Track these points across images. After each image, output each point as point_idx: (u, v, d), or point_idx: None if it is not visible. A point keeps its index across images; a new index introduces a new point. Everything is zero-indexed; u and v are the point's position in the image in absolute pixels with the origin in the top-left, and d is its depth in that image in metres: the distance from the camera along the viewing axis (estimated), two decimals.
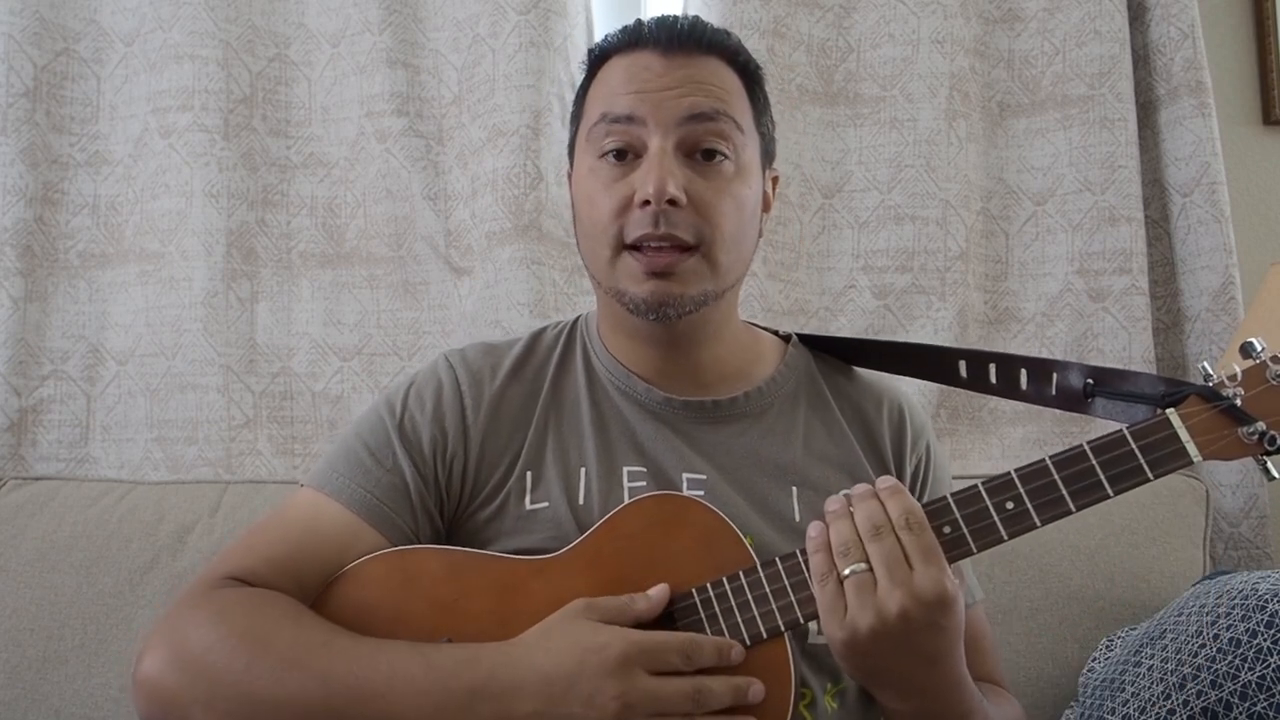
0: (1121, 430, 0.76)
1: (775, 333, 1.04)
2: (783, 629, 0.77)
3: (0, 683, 1.34)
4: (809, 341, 1.04)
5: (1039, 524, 0.75)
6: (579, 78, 0.99)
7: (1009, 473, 0.76)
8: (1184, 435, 0.75)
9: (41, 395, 1.65)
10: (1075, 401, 0.87)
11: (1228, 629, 0.97)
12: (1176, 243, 1.69)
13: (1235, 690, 0.92)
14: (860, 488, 0.77)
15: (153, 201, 1.67)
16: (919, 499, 0.83)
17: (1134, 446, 0.75)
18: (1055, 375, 0.88)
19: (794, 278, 1.69)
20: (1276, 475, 0.76)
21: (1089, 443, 0.76)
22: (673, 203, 0.85)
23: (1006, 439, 1.68)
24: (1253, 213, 1.81)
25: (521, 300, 1.61)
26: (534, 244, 1.63)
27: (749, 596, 0.78)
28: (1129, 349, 1.64)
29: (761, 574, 0.78)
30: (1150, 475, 0.75)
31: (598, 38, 1.72)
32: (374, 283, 1.70)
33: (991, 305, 1.73)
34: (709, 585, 0.79)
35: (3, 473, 1.59)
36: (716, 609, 0.78)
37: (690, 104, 0.87)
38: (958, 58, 1.69)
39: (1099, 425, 1.14)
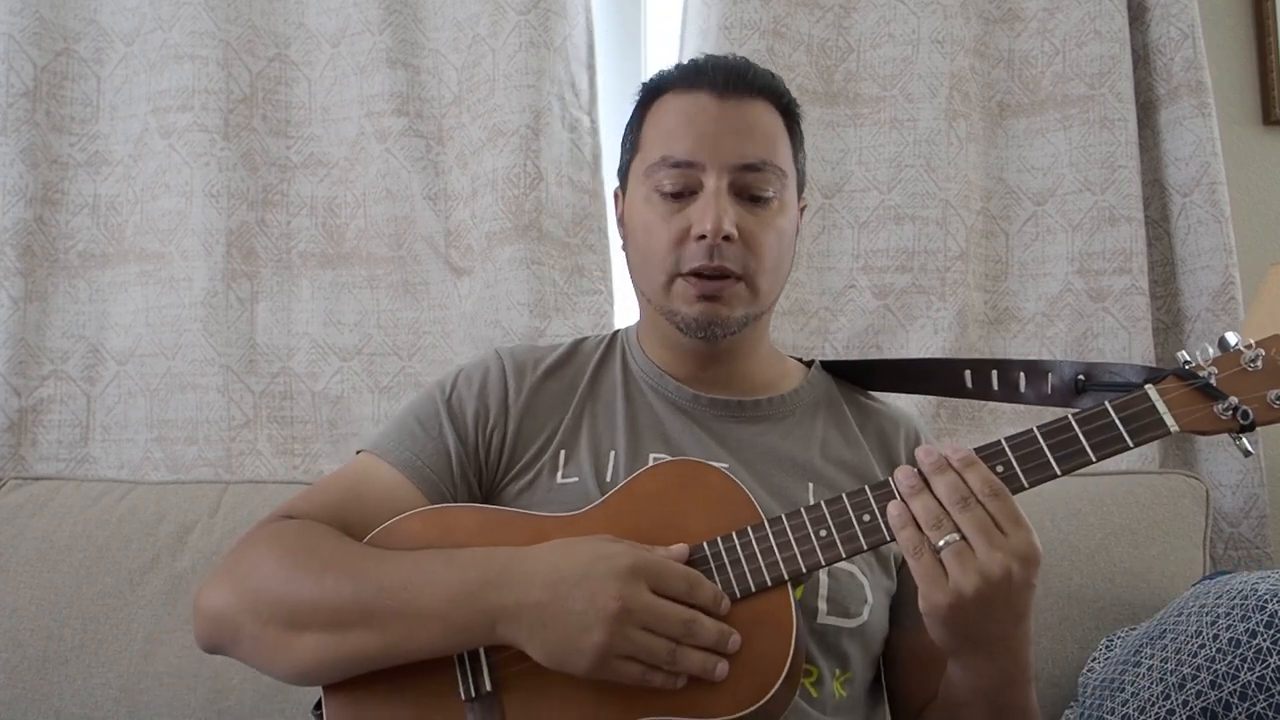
0: (1104, 404, 0.82)
1: (799, 360, 1.13)
2: (786, 578, 0.83)
3: (0, 683, 1.34)
4: (829, 367, 1.13)
5: (1026, 486, 0.81)
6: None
7: (999, 441, 0.82)
8: (1161, 407, 0.81)
9: (41, 395, 1.65)
10: (1070, 396, 0.95)
11: (1227, 629, 0.97)
12: (1176, 243, 1.68)
13: (1235, 690, 0.92)
14: (929, 461, 0.80)
15: (153, 201, 1.67)
16: None
17: (1115, 417, 0.81)
18: (1050, 375, 0.96)
19: (794, 278, 1.68)
20: (1252, 450, 0.81)
21: (1073, 414, 0.82)
22: (726, 238, 0.95)
23: None
24: (1253, 213, 1.81)
25: (521, 300, 1.61)
26: (534, 244, 1.62)
27: (756, 550, 0.84)
28: (1129, 349, 1.63)
29: (769, 530, 0.85)
30: (1130, 443, 0.81)
31: (598, 38, 1.72)
32: (374, 283, 1.70)
33: (991, 305, 1.73)
34: (719, 539, 0.85)
35: (3, 473, 1.59)
36: (725, 560, 0.84)
37: (742, 154, 0.96)
38: (958, 58, 1.69)
39: None
